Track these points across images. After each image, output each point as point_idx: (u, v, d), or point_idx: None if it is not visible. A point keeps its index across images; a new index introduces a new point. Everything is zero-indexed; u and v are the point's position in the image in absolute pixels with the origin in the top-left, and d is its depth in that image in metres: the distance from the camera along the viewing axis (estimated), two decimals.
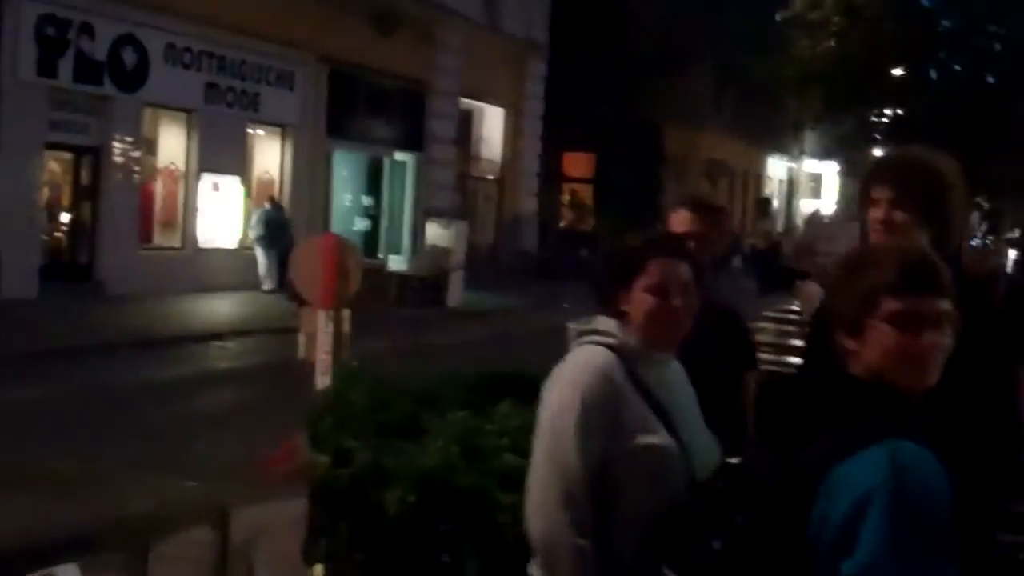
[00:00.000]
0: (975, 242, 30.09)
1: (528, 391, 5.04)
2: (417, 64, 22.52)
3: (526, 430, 4.41)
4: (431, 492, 3.94)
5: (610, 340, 2.54)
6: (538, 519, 2.47)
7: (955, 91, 20.40)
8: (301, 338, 7.39)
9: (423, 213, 22.26)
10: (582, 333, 2.62)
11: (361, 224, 22.80)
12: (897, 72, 21.14)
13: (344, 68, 20.93)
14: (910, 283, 1.96)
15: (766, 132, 41.26)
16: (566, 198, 37.20)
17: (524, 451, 4.30)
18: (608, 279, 2.60)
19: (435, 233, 20.31)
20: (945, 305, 1.98)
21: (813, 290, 17.68)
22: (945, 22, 21.16)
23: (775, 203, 47.63)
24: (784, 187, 51.17)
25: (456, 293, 20.19)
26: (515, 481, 4.08)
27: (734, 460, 2.11)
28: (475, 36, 23.73)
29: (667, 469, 2.43)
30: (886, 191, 2.92)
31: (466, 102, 24.94)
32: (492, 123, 26.70)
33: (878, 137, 29.27)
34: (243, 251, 19.80)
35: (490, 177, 27.15)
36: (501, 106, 26.56)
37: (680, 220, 3.57)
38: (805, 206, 48.94)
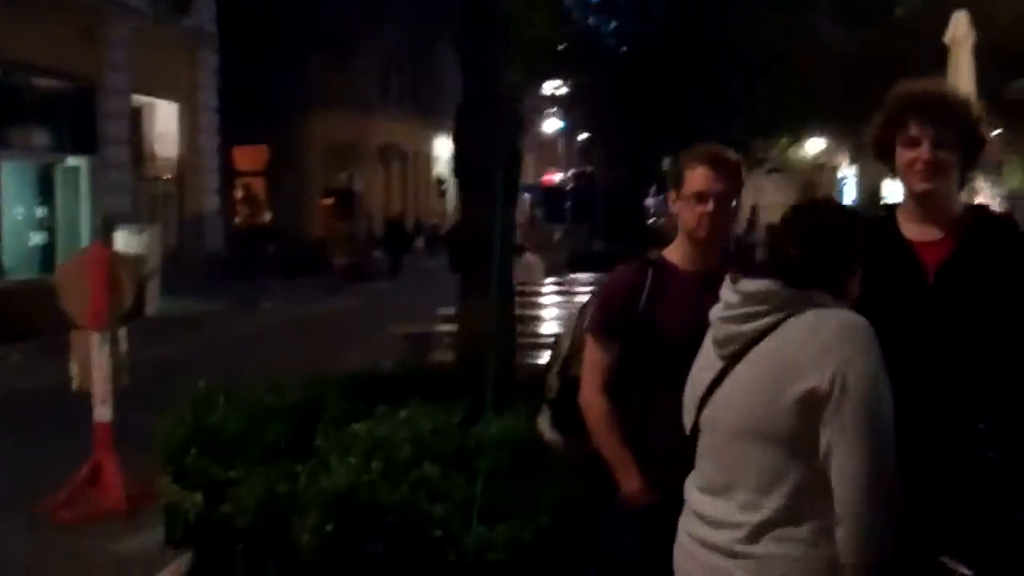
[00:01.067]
0: None
1: (414, 390, 4.72)
2: (84, 61, 21.01)
3: (440, 433, 4.14)
4: (352, 515, 3.60)
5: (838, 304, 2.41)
6: (878, 503, 2.22)
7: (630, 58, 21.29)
8: (74, 367, 6.70)
9: (104, 220, 20.90)
10: (803, 302, 2.40)
11: (37, 238, 21.04)
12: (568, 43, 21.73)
13: (3, 70, 19.19)
14: None
15: (435, 111, 41.66)
16: (239, 193, 36.15)
17: (442, 457, 4.04)
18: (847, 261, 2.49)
19: (126, 240, 19.11)
20: None
21: (532, 260, 17.94)
22: None
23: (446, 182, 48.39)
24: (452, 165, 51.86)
25: (154, 302, 19.22)
26: (443, 492, 3.82)
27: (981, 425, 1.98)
28: (142, 28, 22.43)
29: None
30: (927, 129, 2.72)
31: (137, 98, 23.54)
32: (166, 119, 25.36)
33: (554, 109, 30.17)
34: None
35: (168, 176, 25.83)
36: (174, 100, 25.27)
37: (698, 178, 3.23)
38: None
